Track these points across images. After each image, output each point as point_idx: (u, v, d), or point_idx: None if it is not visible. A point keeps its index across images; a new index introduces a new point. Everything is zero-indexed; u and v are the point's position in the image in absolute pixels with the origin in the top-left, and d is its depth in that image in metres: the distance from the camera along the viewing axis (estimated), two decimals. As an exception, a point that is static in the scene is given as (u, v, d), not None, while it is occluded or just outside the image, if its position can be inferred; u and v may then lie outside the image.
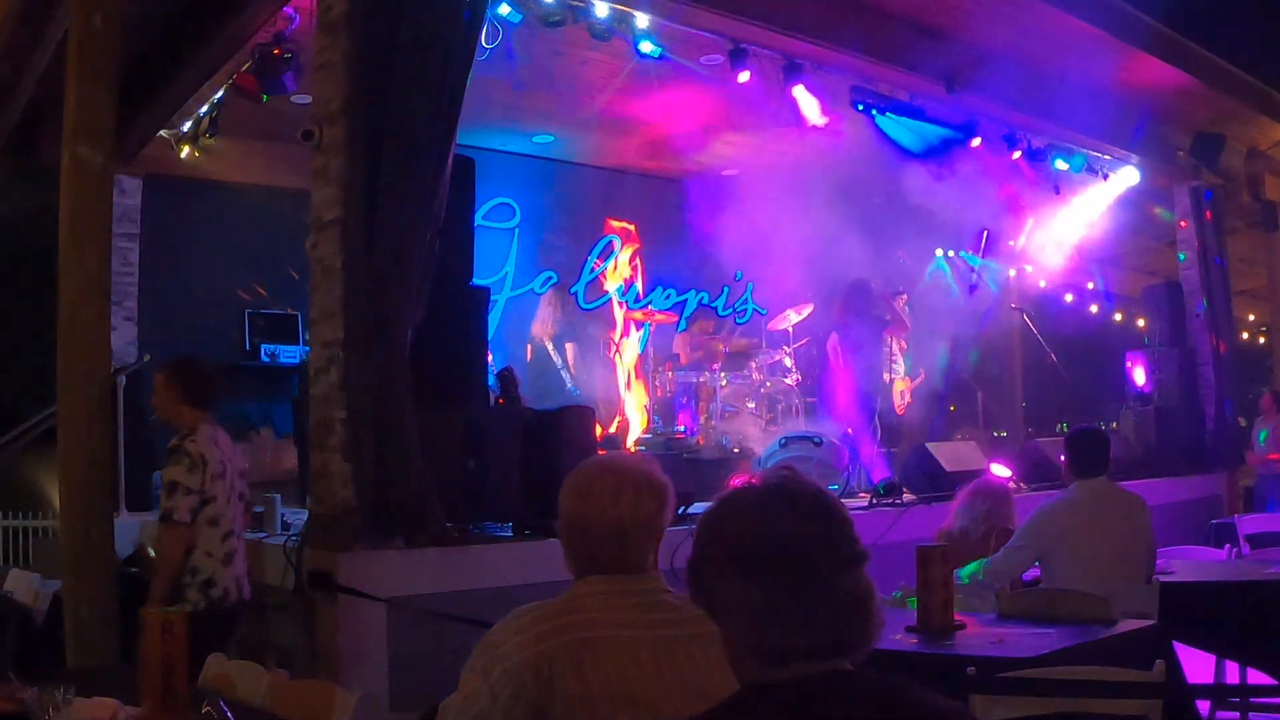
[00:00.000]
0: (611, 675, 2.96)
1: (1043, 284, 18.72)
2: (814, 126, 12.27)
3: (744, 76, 11.29)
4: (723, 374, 14.49)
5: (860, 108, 12.26)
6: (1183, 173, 15.85)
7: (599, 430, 11.84)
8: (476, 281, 9.36)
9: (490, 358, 10.80)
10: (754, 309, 17.48)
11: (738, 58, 11.20)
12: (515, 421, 9.11)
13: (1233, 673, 7.52)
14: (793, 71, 11.50)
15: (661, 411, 14.29)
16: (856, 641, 2.14)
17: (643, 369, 14.79)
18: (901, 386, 15.57)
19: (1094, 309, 23.07)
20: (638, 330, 15.43)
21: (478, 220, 10.57)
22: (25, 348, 10.30)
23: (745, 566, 2.15)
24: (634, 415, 14.50)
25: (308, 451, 8.24)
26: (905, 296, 14.90)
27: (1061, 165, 14.83)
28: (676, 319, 15.46)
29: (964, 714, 2.21)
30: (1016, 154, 13.81)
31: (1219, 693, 7.29)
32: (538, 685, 2.94)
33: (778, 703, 2.08)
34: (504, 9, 9.86)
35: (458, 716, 3.04)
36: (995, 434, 17.37)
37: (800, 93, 11.69)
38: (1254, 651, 6.90)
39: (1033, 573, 6.88)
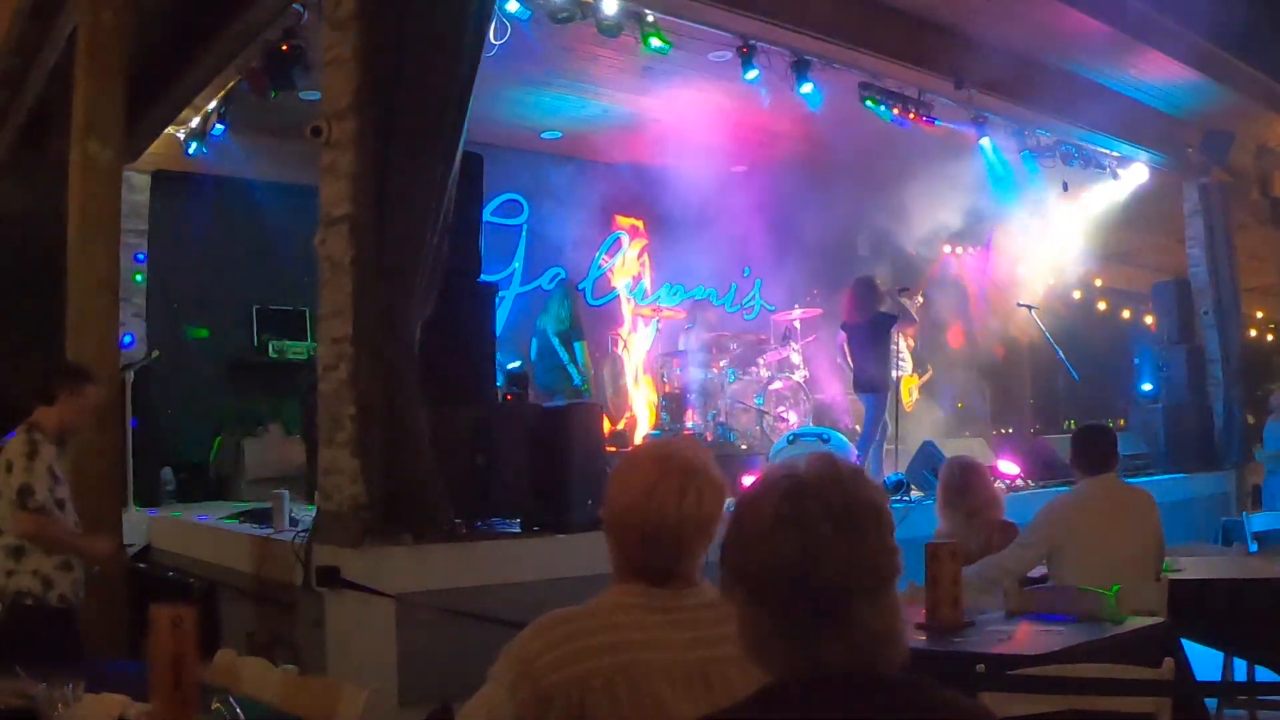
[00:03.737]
0: (646, 702, 2.82)
1: (1050, 280, 18.70)
2: (822, 123, 12.27)
3: (752, 74, 11.29)
4: (731, 370, 14.48)
5: (869, 104, 12.23)
6: (1192, 169, 15.82)
7: (607, 426, 11.83)
8: (484, 277, 9.37)
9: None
10: (762, 305, 17.46)
11: (746, 54, 11.20)
12: (523, 418, 9.11)
13: (1240, 671, 7.51)
14: (801, 68, 11.48)
15: (669, 408, 14.28)
16: (880, 660, 2.06)
17: (650, 365, 14.79)
18: (911, 384, 15.55)
19: (1102, 305, 23.04)
20: (646, 326, 15.43)
21: (486, 216, 10.57)
22: (34, 343, 10.30)
23: (754, 593, 2.09)
24: (642, 411, 14.50)
25: (316, 447, 8.26)
26: (920, 296, 14.83)
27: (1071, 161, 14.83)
28: (685, 315, 15.44)
29: (985, 714, 2.18)
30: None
31: (1227, 690, 7.29)
32: (568, 709, 2.80)
33: (799, 700, 2.06)
34: (512, 5, 9.85)
35: None
36: (1001, 430, 17.33)
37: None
38: (1262, 649, 6.90)
39: (1039, 569, 6.88)
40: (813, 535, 2.03)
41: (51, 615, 6.58)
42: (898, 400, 13.88)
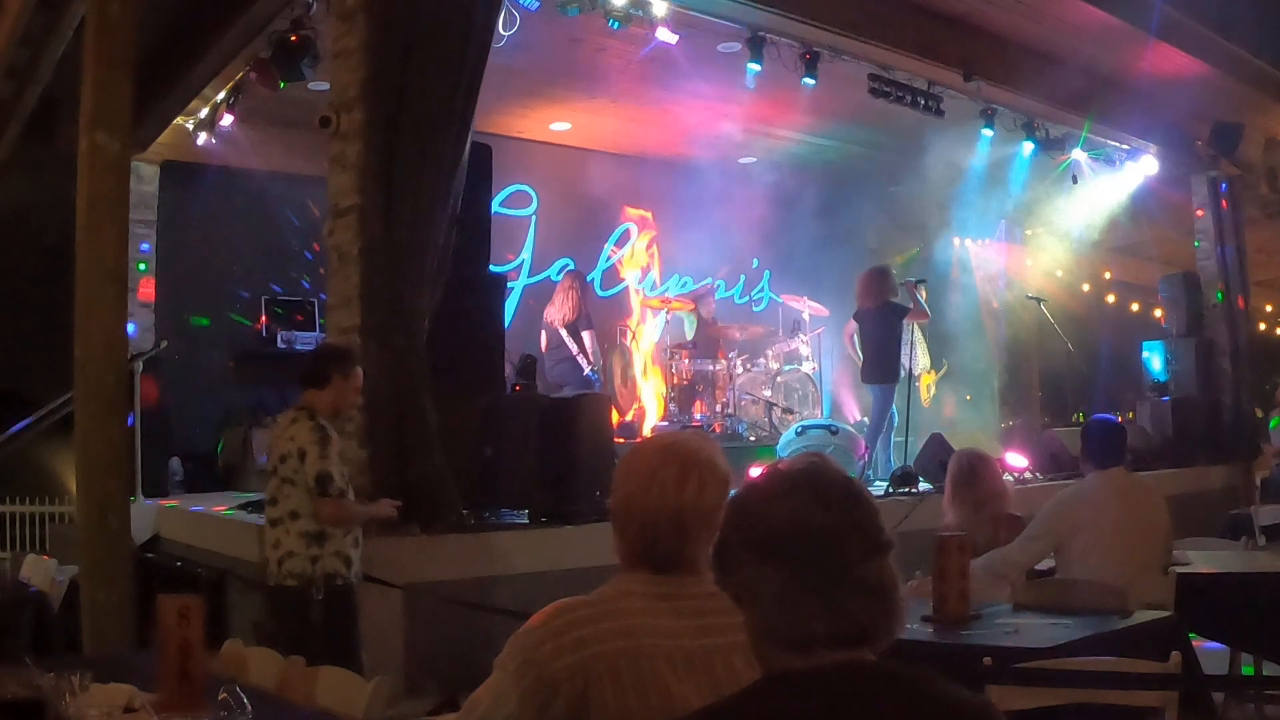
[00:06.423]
0: (650, 688, 2.81)
1: (1060, 273, 18.68)
2: (831, 115, 12.27)
3: (756, 67, 11.30)
4: (739, 362, 14.49)
5: (878, 95, 12.21)
6: (1200, 162, 15.80)
7: (615, 418, 11.84)
8: (493, 268, 9.37)
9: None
10: (770, 296, 17.46)
11: (755, 45, 11.19)
12: (532, 409, 9.12)
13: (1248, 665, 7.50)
14: (810, 59, 11.48)
15: (678, 399, 14.28)
16: (880, 630, 2.13)
17: (659, 356, 14.79)
18: (929, 380, 15.56)
19: (1111, 298, 23.01)
20: (654, 318, 15.43)
21: (495, 207, 10.56)
22: (42, 334, 10.32)
23: (771, 551, 2.14)
24: (650, 403, 14.50)
25: (325, 438, 8.26)
26: (925, 286, 14.80)
27: (1079, 154, 14.82)
28: (693, 307, 15.44)
29: (988, 708, 2.19)
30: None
31: (1234, 685, 7.28)
32: (572, 695, 2.80)
33: (799, 691, 2.06)
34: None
35: (484, 718, 2.89)
36: (1009, 423, 17.32)
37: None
38: (1269, 643, 6.88)
39: (1047, 562, 6.87)
40: (828, 496, 2.16)
41: (354, 591, 6.73)
42: (912, 394, 13.85)
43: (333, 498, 6.49)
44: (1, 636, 6.86)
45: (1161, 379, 16.30)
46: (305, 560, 6.50)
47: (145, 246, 13.14)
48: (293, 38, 10.38)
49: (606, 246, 16.10)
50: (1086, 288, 21.27)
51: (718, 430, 13.70)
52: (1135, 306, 23.54)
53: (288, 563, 6.52)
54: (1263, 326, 23.90)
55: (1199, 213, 16.38)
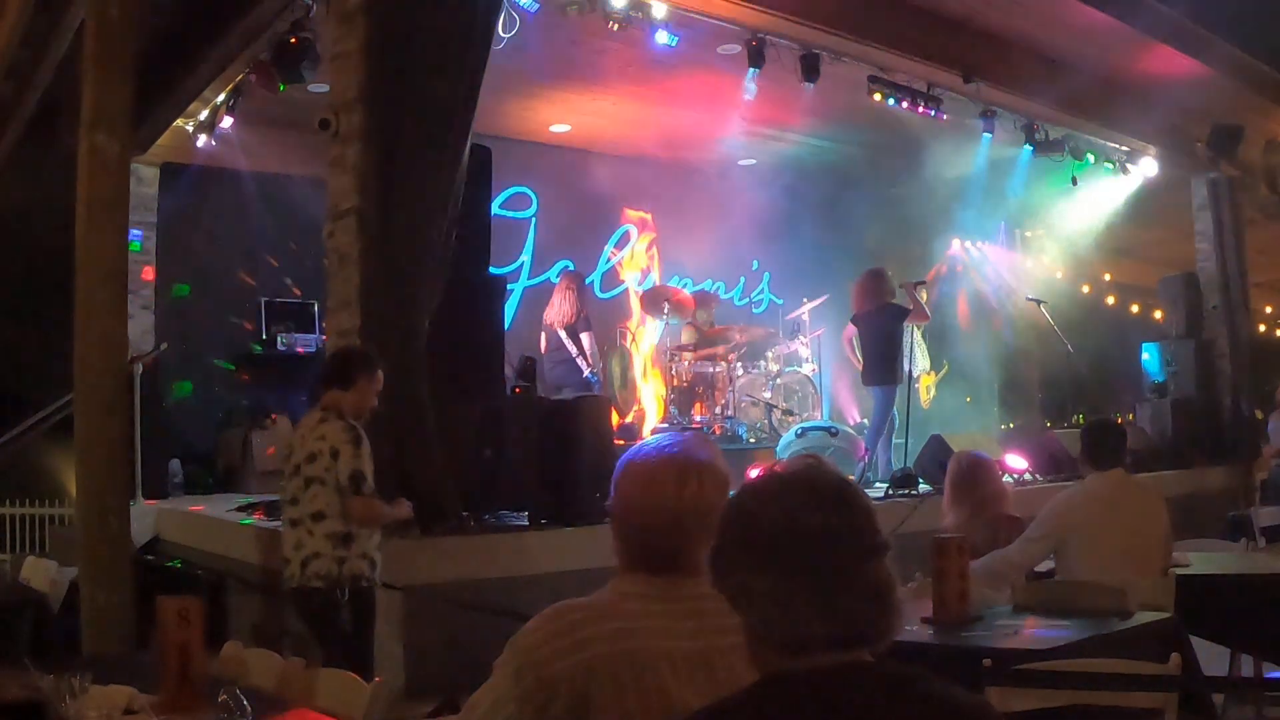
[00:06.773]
0: (649, 690, 2.80)
1: (1059, 275, 18.68)
2: (830, 117, 12.27)
3: (756, 69, 11.32)
4: (739, 364, 14.49)
5: (877, 97, 12.22)
6: (1200, 164, 15.81)
7: (615, 420, 11.83)
8: (493, 270, 9.37)
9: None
10: (770, 299, 17.46)
11: (755, 52, 11.20)
12: (531, 411, 9.12)
13: (1248, 667, 7.49)
14: (810, 61, 11.48)
15: (678, 401, 14.28)
16: (877, 632, 2.13)
17: (659, 358, 14.79)
18: (929, 382, 15.56)
19: (1111, 300, 23.03)
20: (654, 320, 15.43)
21: (494, 209, 10.56)
22: (42, 336, 10.32)
23: (766, 554, 2.13)
24: (650, 405, 14.49)
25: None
26: (925, 287, 14.81)
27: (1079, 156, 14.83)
28: (693, 307, 15.45)
29: (986, 708, 2.19)
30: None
31: (1234, 686, 7.28)
32: (572, 697, 2.78)
33: (797, 693, 2.06)
34: (521, -2, 9.86)
35: (484, 719, 2.88)
36: (1009, 425, 17.32)
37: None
38: (1269, 645, 6.88)
39: (1047, 564, 6.87)
40: (823, 497, 2.15)
41: (375, 593, 6.73)
42: (911, 396, 13.86)
43: (365, 496, 6.49)
44: (1, 638, 6.85)
45: (1161, 380, 16.31)
46: (332, 561, 6.48)
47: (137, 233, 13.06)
48: (292, 40, 10.38)
49: (606, 248, 16.11)
50: (1086, 289, 21.29)
51: (717, 432, 13.70)
52: (1135, 308, 23.56)
53: (313, 564, 6.49)
54: (1262, 328, 23.91)
55: (1199, 214, 16.39)
